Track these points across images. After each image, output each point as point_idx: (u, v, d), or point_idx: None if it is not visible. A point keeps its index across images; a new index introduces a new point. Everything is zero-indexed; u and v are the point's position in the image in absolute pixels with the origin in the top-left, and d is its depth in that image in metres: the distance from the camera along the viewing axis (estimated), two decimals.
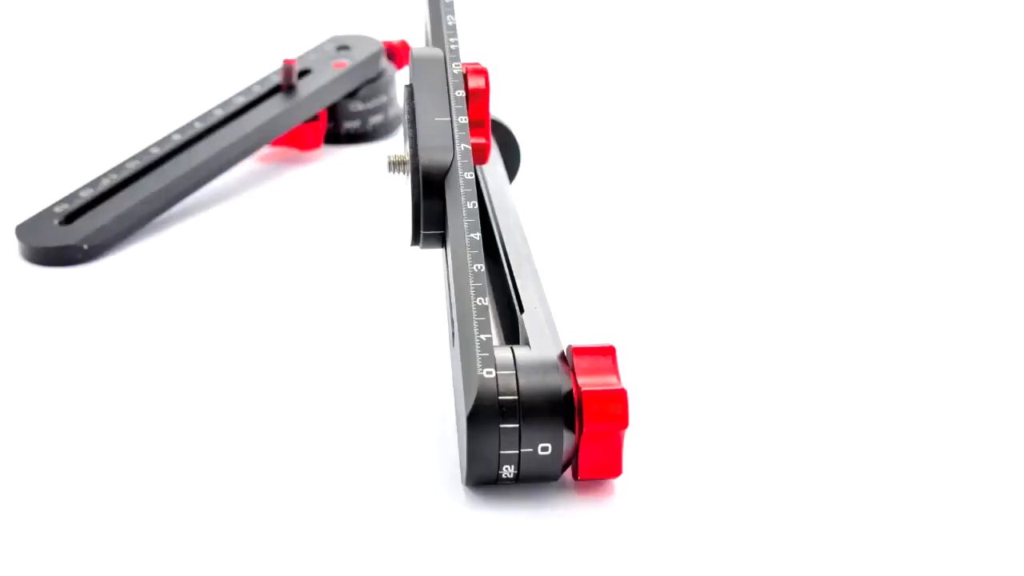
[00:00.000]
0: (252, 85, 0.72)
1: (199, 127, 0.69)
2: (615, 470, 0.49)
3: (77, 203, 0.65)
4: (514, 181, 0.67)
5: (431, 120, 0.53)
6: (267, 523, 0.49)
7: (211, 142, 0.69)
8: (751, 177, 0.72)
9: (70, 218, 0.64)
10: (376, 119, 0.75)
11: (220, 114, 0.70)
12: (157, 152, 0.67)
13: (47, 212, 0.64)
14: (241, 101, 0.71)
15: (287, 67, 0.71)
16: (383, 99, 0.75)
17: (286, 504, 0.49)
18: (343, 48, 0.75)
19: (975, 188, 0.72)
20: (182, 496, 0.50)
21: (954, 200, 0.70)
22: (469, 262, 0.51)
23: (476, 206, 0.52)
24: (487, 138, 0.55)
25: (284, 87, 0.72)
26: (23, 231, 0.63)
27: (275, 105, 0.71)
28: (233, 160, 0.69)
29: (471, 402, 0.47)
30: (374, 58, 0.74)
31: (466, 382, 0.48)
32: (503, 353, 0.49)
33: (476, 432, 0.47)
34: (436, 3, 0.59)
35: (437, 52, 0.56)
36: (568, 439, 0.48)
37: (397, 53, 0.77)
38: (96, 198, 0.65)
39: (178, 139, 0.68)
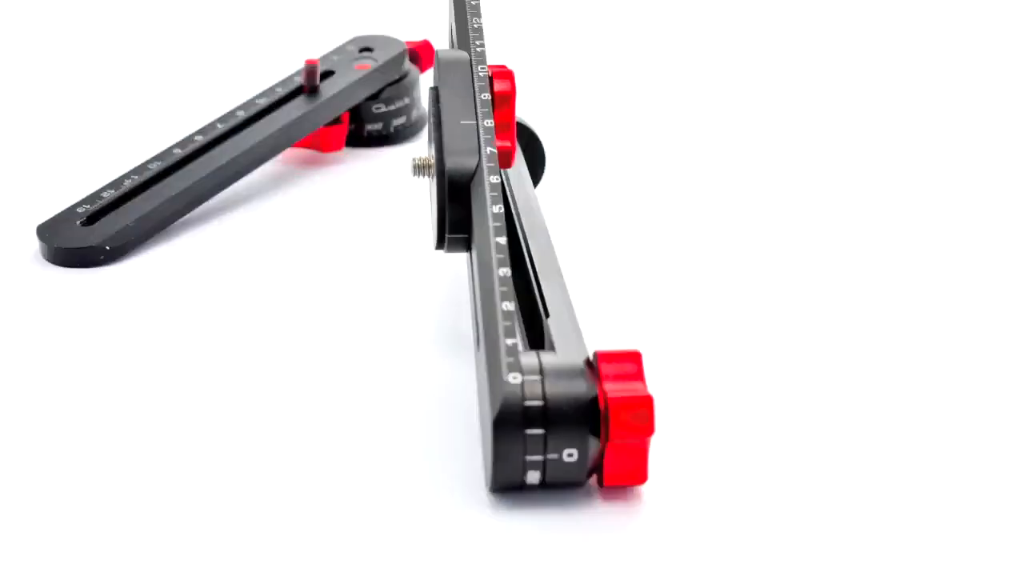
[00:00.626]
0: (274, 86, 0.72)
1: (221, 128, 0.69)
2: (641, 477, 0.48)
3: (99, 204, 0.64)
4: (539, 184, 0.67)
5: (456, 123, 0.53)
6: (288, 528, 0.48)
7: (233, 143, 0.68)
8: (779, 181, 0.72)
9: (92, 219, 0.64)
10: (399, 121, 0.74)
11: (242, 115, 0.70)
12: (179, 153, 0.67)
13: (69, 212, 0.64)
14: (263, 102, 0.70)
15: (309, 68, 0.71)
16: (406, 101, 0.74)
17: (307, 509, 0.49)
18: (366, 49, 0.74)
19: (996, 195, 0.72)
20: (200, 499, 0.49)
21: (981, 210, 0.70)
22: (495, 266, 0.50)
23: (502, 210, 0.51)
24: (512, 142, 0.55)
25: (306, 89, 0.71)
26: (44, 231, 0.63)
27: (297, 107, 0.70)
28: (255, 162, 0.68)
29: (497, 407, 0.47)
30: (397, 60, 0.74)
31: (492, 387, 0.47)
32: (529, 358, 0.48)
33: (501, 437, 0.47)
34: (462, 5, 0.59)
35: (463, 55, 0.56)
36: (594, 445, 0.47)
37: (421, 54, 0.76)
38: (118, 199, 0.65)
39: (200, 140, 0.68)
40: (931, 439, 0.53)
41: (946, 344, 0.59)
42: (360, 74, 0.73)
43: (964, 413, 0.55)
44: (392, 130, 0.74)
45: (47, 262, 0.63)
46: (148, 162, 0.67)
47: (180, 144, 0.68)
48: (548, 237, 0.57)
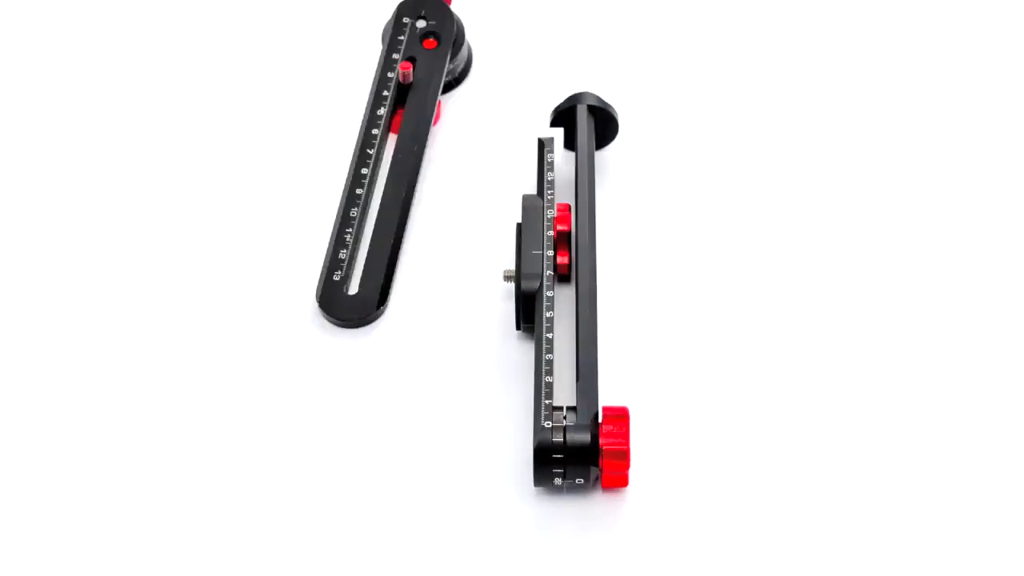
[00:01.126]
0: (378, 92, 0.86)
1: (371, 153, 0.84)
2: (624, 484, 0.74)
3: (341, 264, 0.81)
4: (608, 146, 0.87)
5: (530, 253, 0.79)
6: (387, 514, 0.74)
7: (397, 164, 0.84)
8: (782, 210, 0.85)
9: (345, 279, 0.81)
10: (458, 69, 0.90)
11: (378, 133, 0.85)
12: (362, 192, 0.84)
13: (330, 283, 0.81)
14: (384, 112, 0.86)
15: (404, 72, 0.86)
16: (457, 62, 0.89)
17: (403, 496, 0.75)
18: (420, 18, 0.88)
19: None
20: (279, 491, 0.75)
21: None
22: (543, 351, 0.76)
23: (552, 314, 0.77)
24: (568, 256, 0.80)
25: (405, 83, 0.86)
26: (323, 302, 0.81)
27: (417, 105, 0.86)
28: (416, 164, 0.85)
29: (534, 443, 0.73)
30: (452, 26, 0.88)
31: (535, 429, 0.74)
32: (558, 415, 0.73)
33: (539, 470, 0.73)
34: (541, 160, 0.82)
35: (539, 202, 0.81)
36: (593, 472, 0.74)
37: None
38: (352, 254, 0.82)
39: (367, 172, 0.84)
40: (929, 452, 0.75)
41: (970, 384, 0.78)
42: (436, 54, 0.88)
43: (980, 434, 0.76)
44: (454, 77, 0.90)
45: (329, 324, 0.81)
46: (346, 210, 0.83)
47: (356, 183, 0.83)
48: (595, 295, 0.78)
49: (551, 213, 0.80)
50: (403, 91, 0.87)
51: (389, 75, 0.87)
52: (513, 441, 0.77)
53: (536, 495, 0.75)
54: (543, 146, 0.83)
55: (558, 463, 0.73)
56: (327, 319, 0.81)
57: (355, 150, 0.85)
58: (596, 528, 0.74)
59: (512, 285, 0.82)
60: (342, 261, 0.82)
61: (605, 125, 0.86)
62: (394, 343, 0.81)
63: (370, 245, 0.83)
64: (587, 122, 0.85)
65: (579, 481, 0.74)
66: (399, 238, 0.83)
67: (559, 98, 0.87)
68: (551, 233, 0.80)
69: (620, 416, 0.73)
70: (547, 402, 0.74)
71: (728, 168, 0.87)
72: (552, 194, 0.81)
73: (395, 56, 0.88)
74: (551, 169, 0.82)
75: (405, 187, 0.84)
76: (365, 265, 0.82)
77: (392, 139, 0.86)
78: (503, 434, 0.77)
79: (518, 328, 0.80)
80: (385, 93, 0.87)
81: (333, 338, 0.81)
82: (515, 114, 0.89)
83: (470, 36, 0.91)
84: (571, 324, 0.79)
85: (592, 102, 0.85)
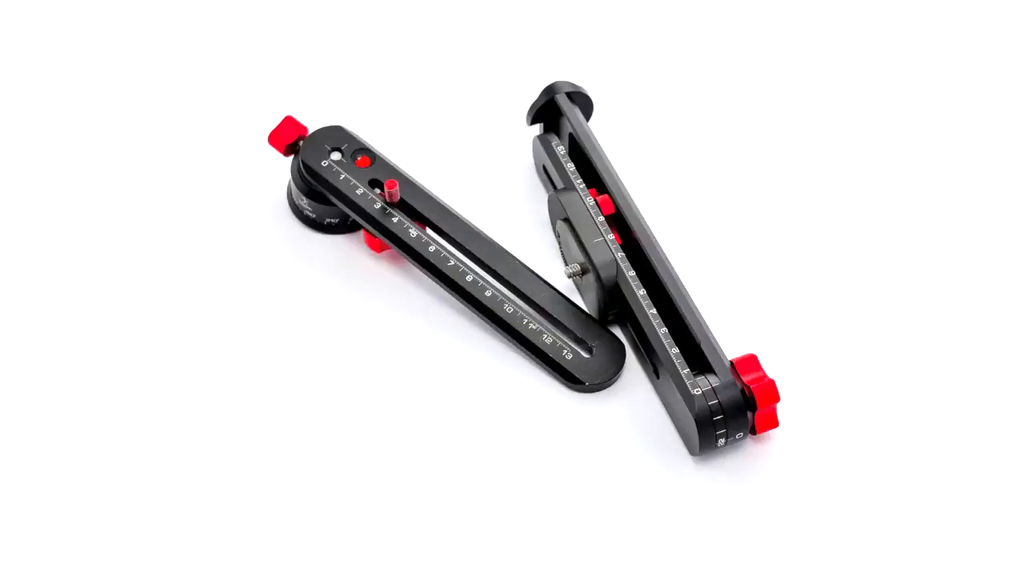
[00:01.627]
0: (389, 222, 0.83)
1: (454, 264, 0.83)
2: (775, 424, 0.76)
3: (560, 346, 0.81)
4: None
5: (592, 243, 0.80)
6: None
7: (483, 251, 0.83)
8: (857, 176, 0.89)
9: (575, 353, 0.82)
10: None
11: (436, 248, 0.83)
12: (491, 292, 0.82)
13: (568, 361, 0.81)
14: (416, 233, 0.84)
15: (392, 191, 0.84)
16: None
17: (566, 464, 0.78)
18: (335, 150, 0.85)
19: None
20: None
21: None
22: (656, 327, 0.77)
23: (644, 291, 0.79)
24: (617, 236, 0.81)
25: (396, 201, 0.84)
26: (588, 377, 0.81)
27: (429, 211, 0.84)
28: (491, 240, 0.84)
29: (694, 414, 0.75)
30: (351, 136, 0.86)
31: (691, 411, 0.75)
32: (703, 382, 0.75)
33: (704, 435, 0.75)
34: (555, 156, 0.83)
35: (574, 192, 0.82)
36: (751, 420, 0.76)
37: (295, 130, 0.86)
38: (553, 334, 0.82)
39: (472, 277, 0.83)
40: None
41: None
42: (382, 162, 0.85)
43: None
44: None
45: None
46: (500, 310, 0.82)
47: (477, 290, 0.82)
48: (667, 259, 0.79)
49: (590, 201, 0.82)
50: (397, 206, 0.85)
51: (376, 206, 0.85)
52: (636, 422, 0.79)
53: (690, 462, 0.77)
54: (547, 142, 0.85)
55: (719, 424, 0.75)
56: (580, 389, 0.82)
57: (441, 275, 0.83)
58: (754, 475, 0.77)
59: (572, 282, 0.83)
60: (555, 344, 0.82)
61: (580, 108, 0.86)
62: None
63: (554, 315, 0.83)
64: (572, 109, 0.86)
65: (739, 436, 0.75)
66: (556, 291, 0.84)
67: (513, 100, 0.89)
68: (601, 218, 0.81)
69: (752, 362, 0.76)
70: (685, 371, 0.76)
71: (700, 132, 0.91)
72: (581, 183, 0.82)
73: (359, 191, 0.85)
74: (568, 160, 0.83)
75: (507, 256, 0.84)
76: (571, 334, 0.83)
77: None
78: (621, 421, 0.79)
79: (604, 318, 0.81)
80: (396, 219, 0.84)
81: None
82: (485, 120, 0.90)
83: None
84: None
85: (567, 89, 0.86)
